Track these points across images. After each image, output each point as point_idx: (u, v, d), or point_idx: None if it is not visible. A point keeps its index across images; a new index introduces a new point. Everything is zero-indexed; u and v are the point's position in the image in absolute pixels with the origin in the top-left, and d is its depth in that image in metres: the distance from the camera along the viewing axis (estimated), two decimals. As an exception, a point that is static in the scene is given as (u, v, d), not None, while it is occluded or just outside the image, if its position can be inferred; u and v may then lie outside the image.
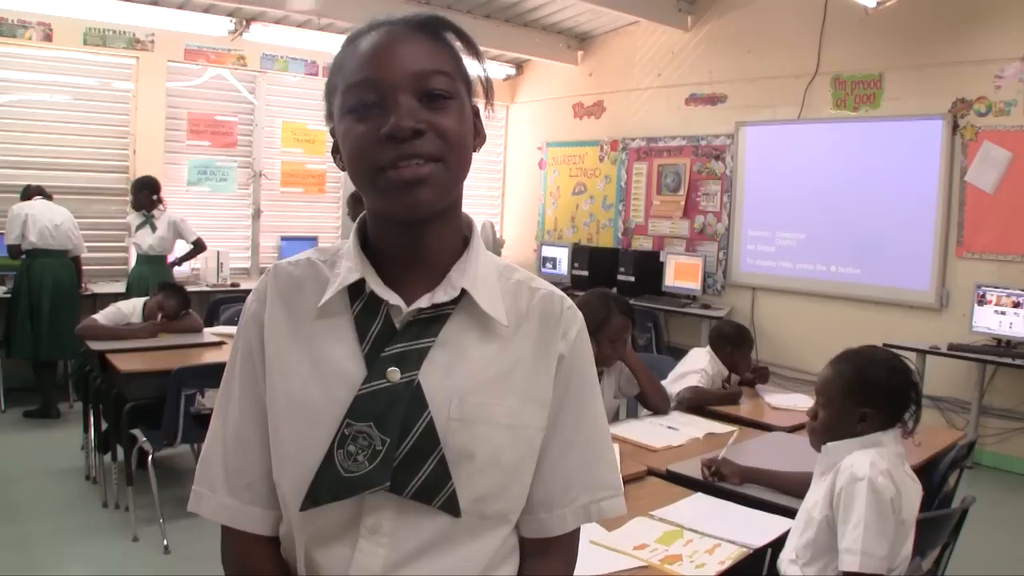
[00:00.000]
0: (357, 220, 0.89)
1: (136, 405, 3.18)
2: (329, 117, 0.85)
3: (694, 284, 6.00)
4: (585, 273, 6.42)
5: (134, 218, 5.07)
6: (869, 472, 1.58)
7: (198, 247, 5.28)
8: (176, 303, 3.83)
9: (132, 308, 3.80)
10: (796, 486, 1.90)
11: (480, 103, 0.87)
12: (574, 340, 0.88)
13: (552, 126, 7.42)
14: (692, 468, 2.13)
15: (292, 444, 0.82)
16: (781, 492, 1.98)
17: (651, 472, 2.14)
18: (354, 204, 5.57)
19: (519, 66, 7.60)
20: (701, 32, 6.19)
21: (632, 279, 6.14)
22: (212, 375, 3.11)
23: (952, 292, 4.86)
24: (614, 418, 2.91)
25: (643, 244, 6.61)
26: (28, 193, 4.79)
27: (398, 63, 0.78)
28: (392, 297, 0.82)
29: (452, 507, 0.79)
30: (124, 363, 3.23)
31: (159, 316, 3.75)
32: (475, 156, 0.86)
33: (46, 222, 4.65)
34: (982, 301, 4.50)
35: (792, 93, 5.56)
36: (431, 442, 0.79)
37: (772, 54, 5.67)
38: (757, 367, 3.41)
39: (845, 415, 1.71)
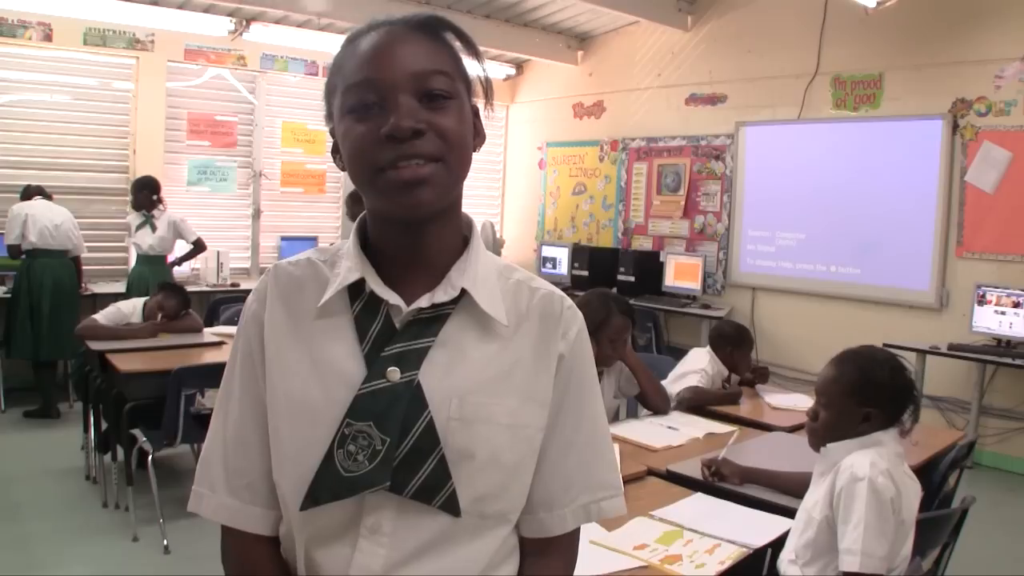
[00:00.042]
0: (357, 220, 0.89)
1: (136, 405, 3.18)
2: (329, 117, 0.85)
3: (694, 284, 6.00)
4: (585, 273, 6.42)
5: (134, 218, 5.07)
6: (869, 472, 1.58)
7: (198, 247, 5.28)
8: (176, 303, 3.83)
9: (132, 308, 3.80)
10: (796, 486, 1.90)
11: (480, 103, 0.87)
12: (574, 340, 0.89)
13: (552, 126, 7.42)
14: (692, 468, 2.12)
15: (292, 444, 0.82)
16: (781, 492, 1.98)
17: (651, 472, 2.14)
18: (352, 204, 5.57)
19: (519, 66, 7.61)
20: (701, 32, 6.19)
21: (632, 279, 6.14)
22: (212, 375, 3.11)
23: (952, 292, 4.86)
24: (614, 418, 2.91)
25: (643, 244, 6.61)
26: (28, 193, 4.79)
27: (398, 63, 0.78)
28: (392, 297, 0.82)
29: (452, 507, 0.79)
30: (124, 363, 3.23)
31: (159, 316, 3.75)
32: (475, 156, 0.86)
33: (46, 222, 4.65)
34: (982, 301, 4.50)
35: (792, 93, 5.56)
36: (431, 442, 0.79)
37: (772, 54, 5.67)
38: (757, 367, 3.41)
39: (847, 415, 1.71)
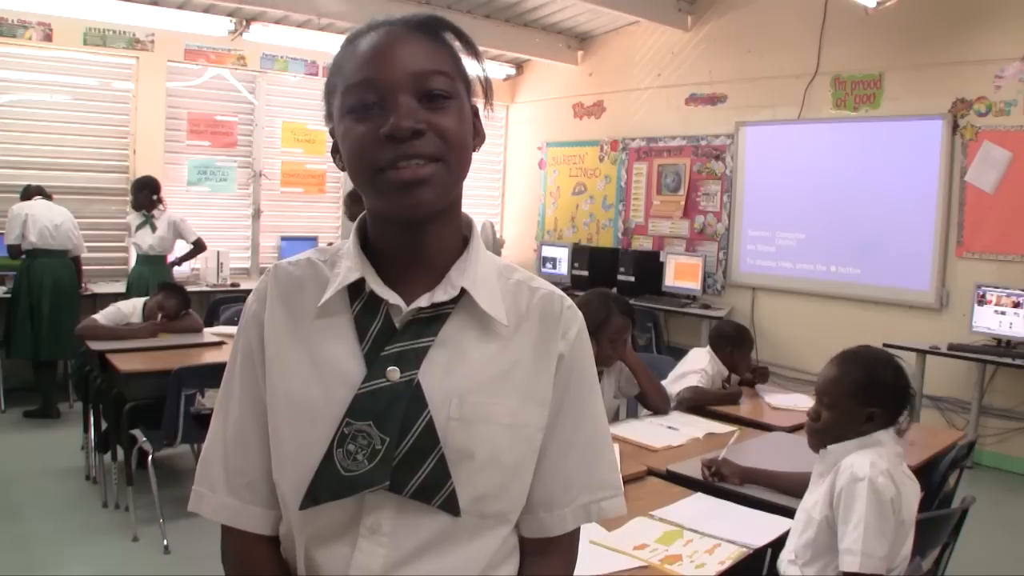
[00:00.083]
0: (357, 220, 0.89)
1: (136, 405, 3.18)
2: (329, 117, 0.85)
3: (694, 284, 6.00)
4: (585, 273, 6.42)
5: (134, 218, 5.07)
6: (870, 472, 1.58)
7: (198, 247, 5.28)
8: (176, 303, 3.83)
9: (132, 308, 3.80)
10: (796, 486, 1.90)
11: (479, 103, 0.87)
12: (574, 340, 0.88)
13: (552, 126, 7.42)
14: (692, 468, 2.12)
15: (292, 443, 0.82)
16: (781, 492, 1.98)
17: (651, 472, 2.14)
18: (351, 203, 5.58)
19: (519, 66, 7.61)
20: (701, 32, 6.19)
21: (632, 279, 6.14)
22: (212, 375, 3.11)
23: (952, 292, 4.86)
24: (614, 418, 2.91)
25: (643, 244, 6.61)
26: (28, 193, 4.79)
27: (397, 63, 0.78)
28: (391, 296, 0.82)
29: (451, 506, 0.79)
30: (124, 363, 3.23)
31: (159, 316, 3.75)
32: (475, 156, 0.86)
33: (46, 222, 4.65)
34: (982, 301, 4.50)
35: (792, 93, 5.56)
36: (431, 441, 0.79)
37: (772, 54, 5.67)
38: (757, 367, 3.41)
39: (851, 415, 1.71)
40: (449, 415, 0.80)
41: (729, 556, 1.62)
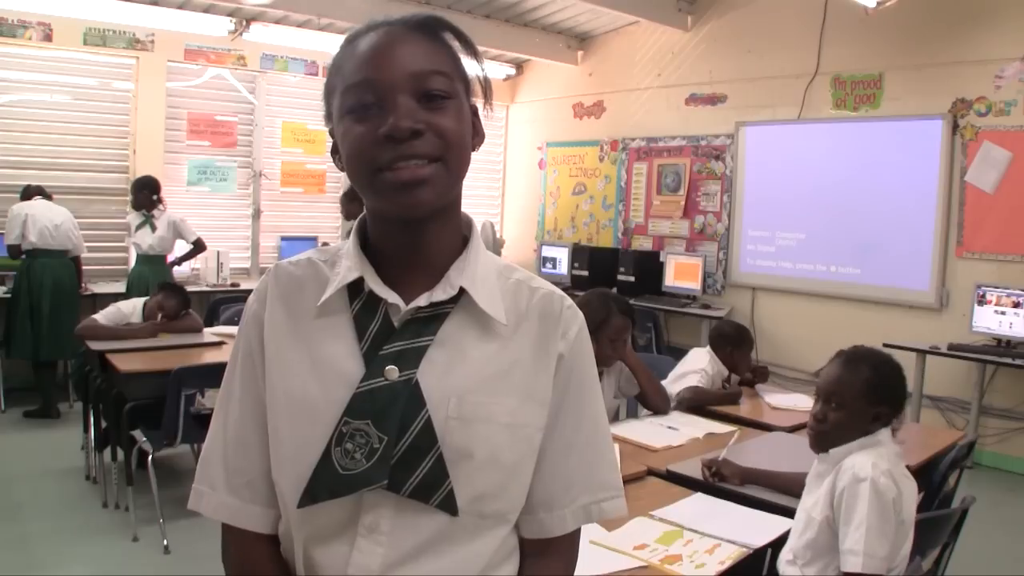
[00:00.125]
0: (357, 220, 0.89)
1: (136, 405, 3.18)
2: (328, 118, 0.85)
3: (694, 284, 6.00)
4: (585, 273, 6.42)
5: (134, 218, 5.07)
6: (872, 472, 1.58)
7: (198, 247, 5.28)
8: (176, 303, 3.83)
9: (132, 308, 3.80)
10: (796, 487, 1.89)
11: (479, 102, 0.87)
12: (574, 340, 0.88)
13: (552, 126, 7.42)
14: (692, 468, 2.12)
15: (291, 442, 0.82)
16: (781, 492, 1.98)
17: (651, 472, 2.14)
18: (347, 202, 5.59)
19: (519, 66, 7.61)
20: (701, 32, 6.19)
21: (632, 279, 6.14)
22: (212, 375, 3.11)
23: (952, 292, 4.86)
24: (614, 418, 2.91)
25: (643, 244, 6.61)
26: (28, 193, 4.79)
27: (396, 64, 0.78)
28: (390, 296, 0.82)
29: (450, 506, 0.79)
30: (124, 363, 3.23)
31: (159, 316, 3.75)
32: (475, 156, 0.86)
33: (46, 222, 4.65)
34: (982, 301, 4.50)
35: (792, 93, 5.56)
36: (429, 440, 0.79)
37: (772, 54, 5.67)
38: (757, 367, 3.41)
39: (859, 416, 1.70)
40: (448, 414, 0.80)
41: (729, 556, 1.62)
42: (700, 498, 1.96)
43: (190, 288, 4.60)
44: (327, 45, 5.97)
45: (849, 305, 5.32)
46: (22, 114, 5.29)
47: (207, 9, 5.63)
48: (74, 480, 3.75)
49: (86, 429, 3.74)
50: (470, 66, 0.85)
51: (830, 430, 1.72)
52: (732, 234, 6.01)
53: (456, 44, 0.84)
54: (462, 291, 0.83)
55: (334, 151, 0.85)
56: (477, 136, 0.86)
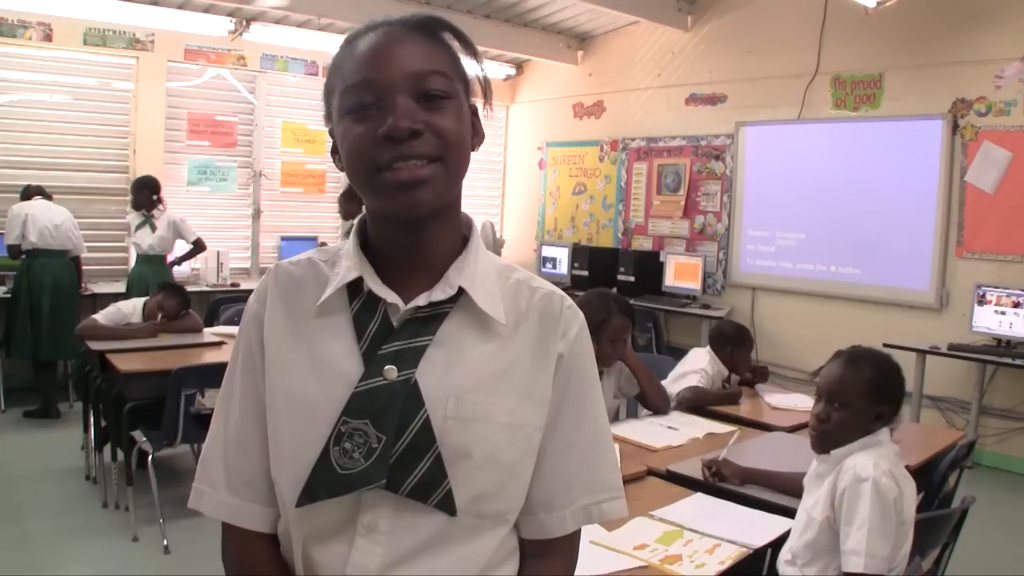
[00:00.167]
0: (357, 220, 0.89)
1: (136, 405, 3.18)
2: (328, 118, 0.85)
3: (694, 284, 6.00)
4: (585, 273, 6.42)
5: (134, 218, 5.08)
6: (873, 473, 1.58)
7: (198, 247, 5.28)
8: (176, 303, 3.83)
9: (132, 308, 3.80)
10: (797, 487, 1.89)
11: (479, 102, 0.87)
12: (574, 340, 0.88)
13: (552, 126, 7.42)
14: (692, 468, 2.12)
15: (290, 442, 0.82)
16: (781, 493, 1.98)
17: (651, 472, 2.14)
18: (345, 202, 5.58)
19: (519, 66, 7.60)
20: (701, 32, 6.19)
21: (632, 279, 6.14)
22: (212, 375, 3.11)
23: (952, 292, 4.86)
24: (614, 418, 2.91)
25: (643, 244, 6.61)
26: (28, 193, 4.80)
27: (396, 64, 0.78)
28: (389, 295, 0.82)
29: (448, 505, 0.79)
30: (124, 363, 3.23)
31: (159, 316, 3.75)
32: (475, 156, 0.86)
33: (46, 222, 4.65)
34: (982, 301, 4.50)
35: (792, 93, 5.56)
36: (427, 440, 0.79)
37: (772, 54, 5.67)
38: (757, 367, 3.41)
39: (862, 416, 1.70)
40: (446, 414, 0.80)
41: (729, 556, 1.62)
42: (700, 498, 1.96)
43: (190, 288, 4.60)
44: (327, 45, 5.97)
45: (849, 305, 5.32)
46: (22, 114, 5.29)
47: (207, 9, 5.63)
48: (74, 480, 3.75)
49: (86, 429, 3.74)
50: (470, 66, 0.85)
51: (833, 430, 1.72)
52: (732, 234, 6.01)
53: (456, 44, 0.84)
54: (461, 291, 0.83)
55: (334, 151, 0.85)
56: (477, 136, 0.86)
